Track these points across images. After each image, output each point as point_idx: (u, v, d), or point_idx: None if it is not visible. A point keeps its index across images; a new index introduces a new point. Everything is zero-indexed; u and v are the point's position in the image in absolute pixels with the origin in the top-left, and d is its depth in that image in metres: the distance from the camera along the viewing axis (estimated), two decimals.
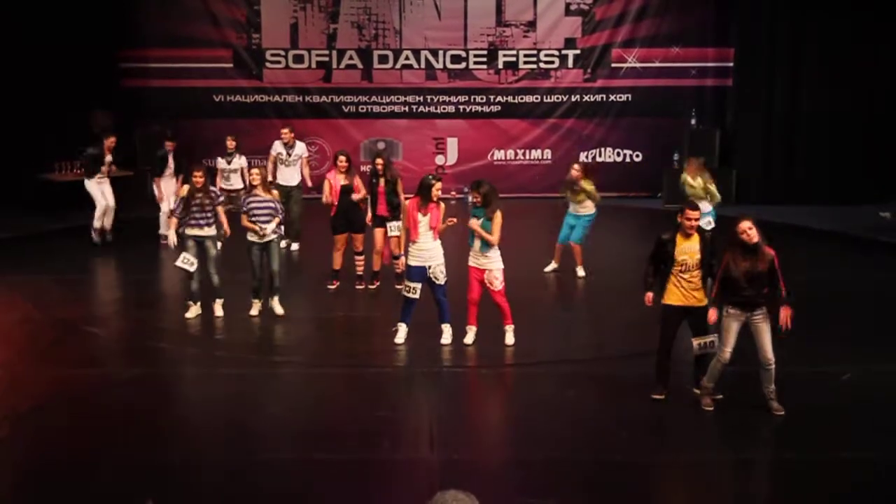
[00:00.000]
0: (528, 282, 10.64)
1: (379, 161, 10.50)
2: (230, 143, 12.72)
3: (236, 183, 12.53)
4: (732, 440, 6.93)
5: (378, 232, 10.46)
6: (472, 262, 8.55)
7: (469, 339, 8.69)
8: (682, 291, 7.21)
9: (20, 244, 13.31)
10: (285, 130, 12.62)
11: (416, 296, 8.53)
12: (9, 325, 9.53)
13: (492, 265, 8.45)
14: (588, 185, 10.98)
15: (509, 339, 8.65)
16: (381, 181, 10.36)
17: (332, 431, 7.02)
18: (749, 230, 6.83)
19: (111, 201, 12.84)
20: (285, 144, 12.43)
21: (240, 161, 12.69)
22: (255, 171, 9.69)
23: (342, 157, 10.51)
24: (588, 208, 11.11)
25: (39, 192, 14.50)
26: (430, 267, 8.51)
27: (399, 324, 8.70)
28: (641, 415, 7.25)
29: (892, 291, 10.65)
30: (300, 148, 12.59)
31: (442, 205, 8.65)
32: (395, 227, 10.21)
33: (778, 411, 6.99)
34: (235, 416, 7.42)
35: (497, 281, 8.46)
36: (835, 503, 5.97)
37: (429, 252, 8.52)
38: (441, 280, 8.55)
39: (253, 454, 6.63)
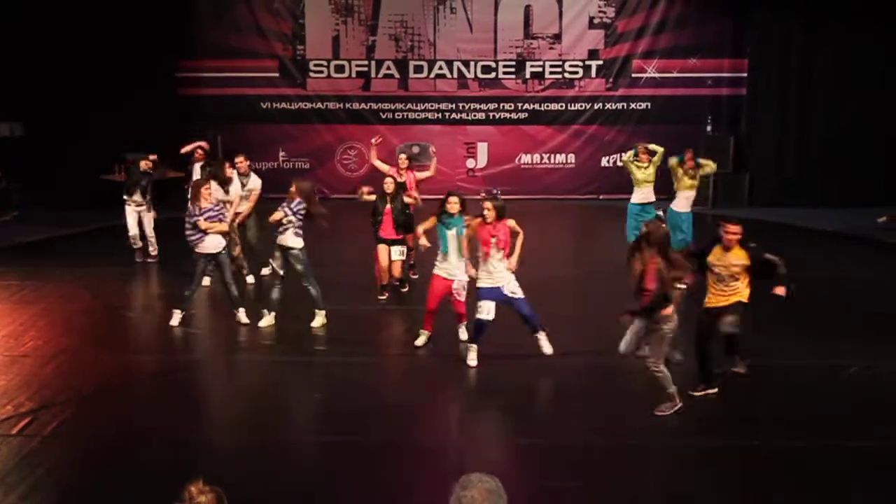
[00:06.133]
0: (550, 279, 10.61)
1: (388, 180, 9.80)
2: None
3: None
4: (743, 428, 6.85)
5: (381, 249, 9.90)
6: (443, 272, 8.11)
7: (419, 341, 8.46)
8: (714, 297, 7.06)
9: (84, 239, 13.55)
10: (240, 160, 10.83)
11: (491, 317, 7.83)
12: (73, 314, 9.68)
13: (463, 276, 8.09)
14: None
15: (465, 335, 8.39)
16: (388, 201, 9.69)
17: (364, 415, 7.04)
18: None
19: (133, 230, 11.80)
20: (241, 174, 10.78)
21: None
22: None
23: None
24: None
25: (103, 190, 14.71)
26: (503, 286, 7.82)
27: (470, 345, 8.10)
28: (654, 403, 7.20)
29: None
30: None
31: (509, 221, 7.87)
32: (396, 252, 9.82)
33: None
34: (274, 401, 7.51)
35: (465, 291, 8.17)
36: (839, 488, 5.91)
37: (499, 272, 7.80)
38: (519, 294, 7.88)
39: (289, 435, 6.72)
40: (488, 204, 7.76)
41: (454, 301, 8.27)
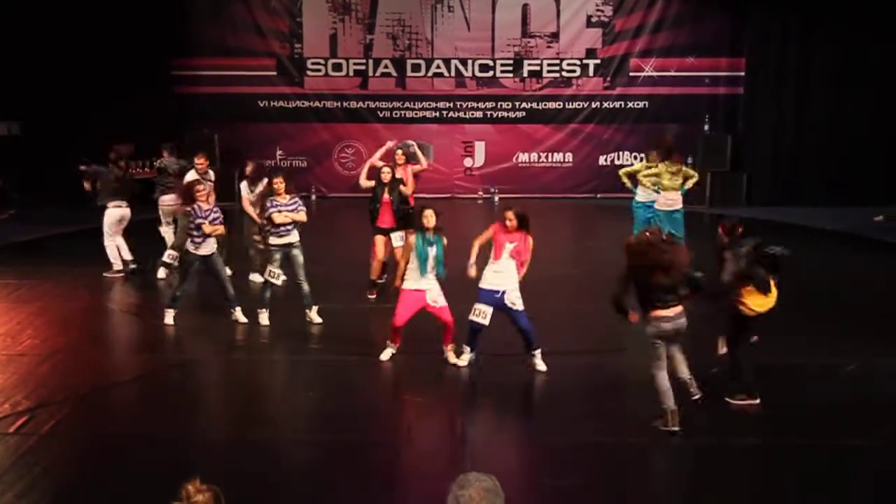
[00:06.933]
0: (548, 278, 10.60)
1: (385, 170, 9.78)
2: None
3: None
4: (742, 427, 6.85)
5: (379, 240, 9.87)
6: (414, 285, 7.67)
7: (385, 356, 8.00)
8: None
9: (81, 238, 13.48)
10: (201, 160, 10.76)
11: (486, 321, 7.56)
12: (70, 313, 9.65)
13: (435, 285, 7.71)
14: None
15: (453, 358, 7.91)
16: (386, 190, 9.68)
17: (361, 415, 7.02)
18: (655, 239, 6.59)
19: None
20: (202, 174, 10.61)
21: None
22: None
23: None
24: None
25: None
26: (505, 292, 7.52)
27: (465, 347, 7.85)
28: (654, 403, 7.19)
29: None
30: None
31: (529, 238, 7.62)
32: (397, 238, 9.69)
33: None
34: (271, 399, 7.51)
35: (442, 297, 7.73)
36: (839, 487, 5.91)
37: (504, 275, 7.53)
38: (519, 306, 7.57)
39: (287, 433, 6.70)
40: (510, 213, 7.53)
41: (436, 311, 7.75)
